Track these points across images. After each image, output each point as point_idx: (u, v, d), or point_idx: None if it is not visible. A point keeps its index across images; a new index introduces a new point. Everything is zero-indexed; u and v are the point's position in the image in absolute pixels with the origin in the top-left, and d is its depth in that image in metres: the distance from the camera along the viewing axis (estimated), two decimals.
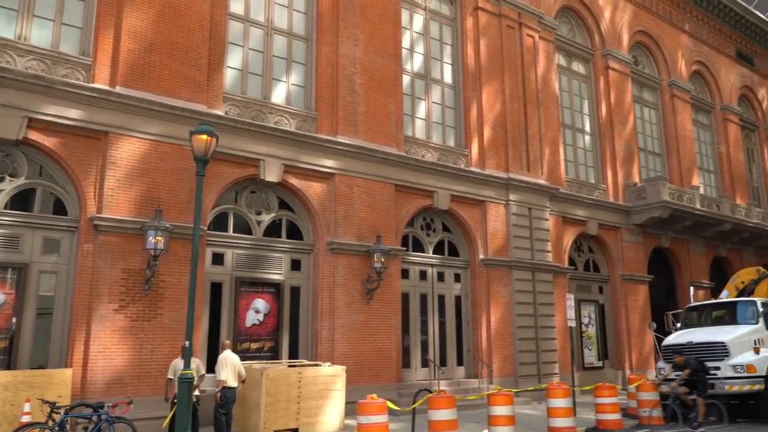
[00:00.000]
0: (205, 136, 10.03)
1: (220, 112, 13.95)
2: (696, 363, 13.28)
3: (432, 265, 17.78)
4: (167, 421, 10.35)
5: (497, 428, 11.32)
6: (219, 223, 14.30)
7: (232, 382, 10.98)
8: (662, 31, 27.45)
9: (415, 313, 17.10)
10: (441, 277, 17.94)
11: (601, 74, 24.14)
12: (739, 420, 14.83)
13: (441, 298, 17.80)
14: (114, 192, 12.27)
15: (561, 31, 23.20)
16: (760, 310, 15.26)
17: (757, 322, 14.97)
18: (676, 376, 13.48)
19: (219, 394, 10.82)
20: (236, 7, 15.25)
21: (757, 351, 14.18)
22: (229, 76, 14.85)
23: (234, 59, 15.00)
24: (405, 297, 16.79)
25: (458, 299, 18.19)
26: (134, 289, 12.14)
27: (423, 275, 17.53)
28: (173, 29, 13.53)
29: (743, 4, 32.16)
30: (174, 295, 12.54)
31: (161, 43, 13.31)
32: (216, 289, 13.94)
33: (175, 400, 10.36)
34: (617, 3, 25.41)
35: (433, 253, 17.95)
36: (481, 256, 18.22)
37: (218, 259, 14.06)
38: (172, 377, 10.62)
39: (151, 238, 11.94)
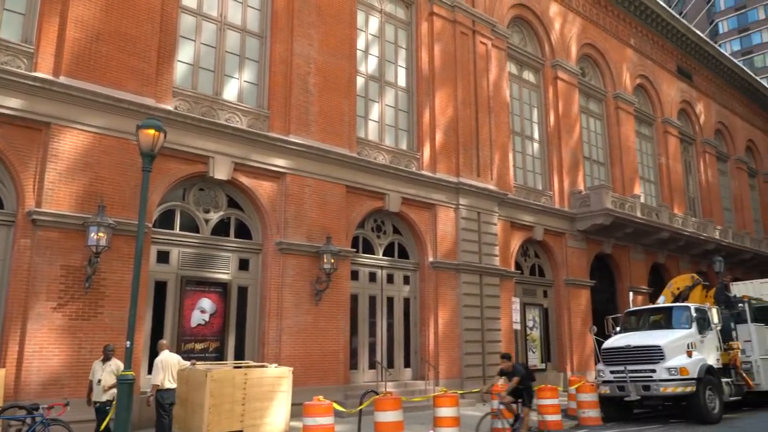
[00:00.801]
0: (152, 131, 9.80)
1: (170, 107, 13.64)
2: (524, 370, 11.78)
3: (382, 267, 17.83)
4: (104, 425, 10.04)
5: (442, 429, 11.45)
6: (165, 220, 13.97)
7: (169, 384, 10.78)
8: (609, 45, 28.36)
9: (364, 315, 17.11)
10: (390, 279, 18.01)
11: (550, 84, 24.74)
12: (673, 420, 15.44)
13: (390, 300, 17.87)
14: (55, 186, 11.83)
15: (513, 40, 23.68)
16: (694, 315, 15.93)
17: (690, 327, 15.62)
18: (504, 383, 12.07)
19: (151, 398, 10.62)
20: (189, 0, 14.94)
21: (690, 354, 14.77)
22: (180, 70, 14.53)
23: (185, 53, 14.69)
24: (354, 298, 16.78)
25: (407, 301, 18.31)
26: (74, 287, 11.72)
27: (372, 277, 17.56)
28: (122, 20, 13.15)
29: (684, 22, 33.58)
30: (116, 293, 12.18)
31: (109, 34, 12.92)
32: (160, 288, 13.60)
33: (97, 405, 10.13)
34: (567, 15, 26.11)
35: (383, 255, 18.01)
36: (431, 259, 18.39)
37: (163, 257, 13.72)
38: (92, 379, 10.42)
39: (93, 235, 11.57)
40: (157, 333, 13.26)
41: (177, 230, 14.05)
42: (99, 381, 10.27)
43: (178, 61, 14.48)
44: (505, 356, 12.01)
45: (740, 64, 40.69)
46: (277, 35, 16.06)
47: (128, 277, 12.08)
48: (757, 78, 42.52)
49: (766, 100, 41.82)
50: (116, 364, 10.34)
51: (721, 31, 76.32)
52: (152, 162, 9.97)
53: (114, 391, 10.05)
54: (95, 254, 11.68)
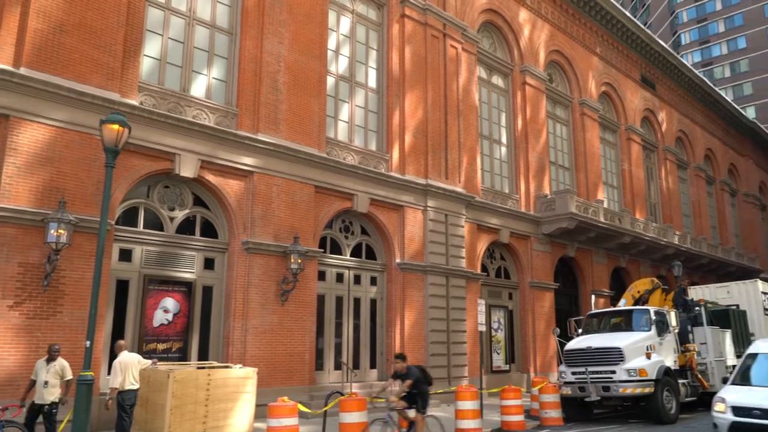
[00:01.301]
0: (116, 126, 9.60)
1: (135, 102, 13.38)
2: (419, 373, 10.46)
3: (349, 268, 17.80)
4: (62, 426, 9.79)
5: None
6: (128, 217, 13.70)
7: (130, 386, 10.56)
8: (576, 53, 28.86)
9: (330, 316, 17.05)
10: (357, 279, 17.99)
11: (518, 89, 25.05)
12: (631, 421, 15.76)
13: (357, 301, 17.85)
14: (13, 180, 11.48)
15: (483, 45, 23.90)
16: (653, 318, 16.30)
17: (650, 329, 15.98)
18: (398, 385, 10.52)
19: (110, 401, 10.34)
20: None
21: (648, 356, 15.12)
22: (147, 65, 14.27)
23: (152, 48, 14.43)
24: (321, 299, 16.71)
25: (374, 302, 18.31)
26: (32, 285, 11.40)
27: (340, 278, 17.52)
28: (87, 11, 12.85)
29: (649, 32, 34.37)
30: (76, 292, 11.88)
31: (73, 25, 12.61)
32: (122, 286, 13.33)
33: (37, 406, 9.77)
34: (536, 22, 26.48)
35: (351, 255, 17.98)
36: (398, 260, 18.43)
37: (126, 255, 13.45)
38: (35, 379, 9.96)
39: (52, 231, 11.27)
40: (118, 333, 12.98)
41: (141, 228, 13.78)
42: (46, 383, 9.79)
43: (145, 55, 14.21)
44: (399, 356, 10.57)
45: (701, 74, 41.84)
46: (247, 32, 15.90)
47: (89, 275, 11.81)
48: (716, 89, 43.77)
49: (724, 110, 43.09)
50: (61, 364, 9.99)
51: (683, 43, 78.36)
52: (116, 158, 9.76)
53: (58, 392, 9.77)
54: (55, 251, 11.38)
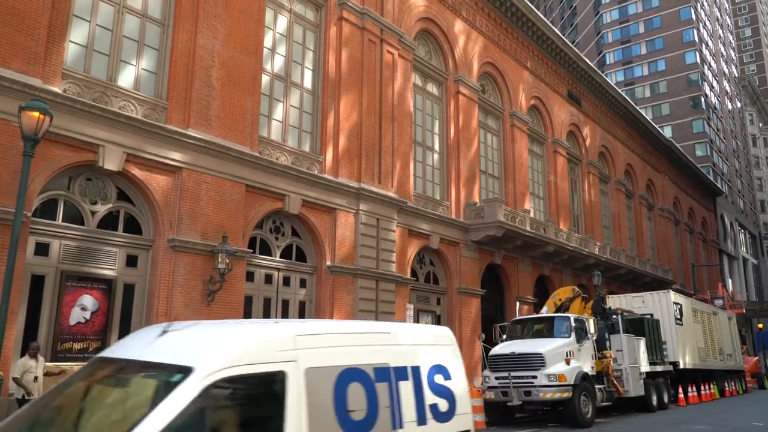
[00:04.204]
0: (36, 114, 9.17)
1: (58, 89, 12.74)
2: None
3: (278, 269, 17.58)
4: None
5: None
6: (47, 210, 13.02)
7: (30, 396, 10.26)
8: (508, 66, 29.71)
9: (258, 317, 16.76)
10: (287, 281, 17.79)
11: (452, 97, 25.52)
12: (550, 425, 16.30)
13: (285, 303, 17.64)
14: None
15: (419, 53, 24.23)
16: (573, 325, 16.95)
17: (569, 336, 16.60)
18: None
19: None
20: None
21: (568, 362, 15.70)
22: (72, 51, 13.63)
23: (78, 34, 13.81)
24: (248, 300, 16.41)
25: (302, 305, 18.14)
26: None
27: (269, 279, 17.27)
28: None
29: (576, 50, 35.81)
30: None
31: None
32: (38, 282, 12.64)
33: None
34: (470, 34, 27.08)
35: (281, 257, 17.77)
36: (328, 263, 18.35)
37: (42, 249, 12.77)
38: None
39: None
40: (31, 330, 12.29)
41: (59, 221, 13.13)
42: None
43: (71, 41, 13.58)
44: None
45: (623, 93, 43.92)
46: (180, 24, 15.47)
47: (1, 268, 11.11)
48: (638, 107, 46.09)
49: (644, 128, 45.44)
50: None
51: (608, 62, 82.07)
52: (35, 147, 9.29)
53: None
54: None
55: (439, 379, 5.57)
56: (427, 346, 5.71)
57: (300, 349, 4.44)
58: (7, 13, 12.08)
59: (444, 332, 6.18)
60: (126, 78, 14.58)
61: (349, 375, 4.72)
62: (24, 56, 12.22)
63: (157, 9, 15.48)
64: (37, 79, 12.30)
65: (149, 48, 15.15)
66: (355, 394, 4.69)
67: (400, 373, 5.17)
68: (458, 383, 5.79)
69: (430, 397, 5.37)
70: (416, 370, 5.34)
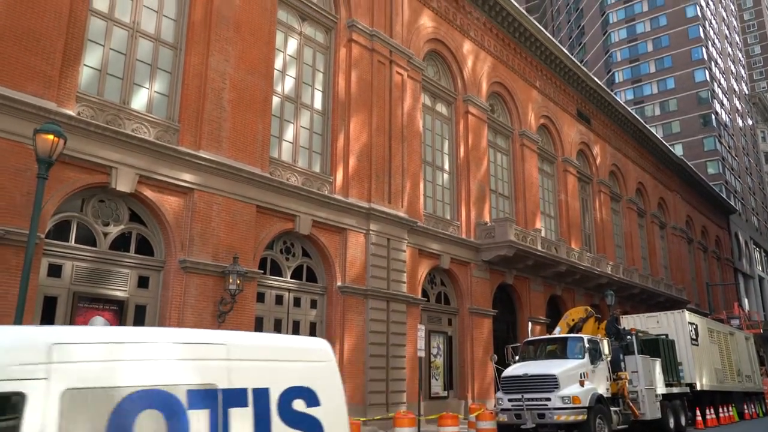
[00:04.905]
0: (51, 136, 9.25)
1: (72, 112, 12.90)
2: None
3: (289, 290, 17.54)
4: None
5: None
6: (60, 231, 13.10)
7: None
8: (516, 85, 29.80)
9: None
10: (297, 302, 17.74)
11: (461, 117, 25.59)
12: None
13: (296, 324, 17.57)
14: None
15: (428, 73, 24.36)
16: (587, 346, 16.70)
17: (583, 357, 16.35)
18: None
19: None
20: (100, 4, 14.31)
21: (582, 384, 15.43)
22: (86, 75, 13.83)
23: (92, 58, 14.01)
24: (259, 321, 16.37)
25: (313, 326, 18.06)
26: None
27: (279, 300, 17.23)
28: (26, 17, 12.38)
29: (585, 69, 35.90)
30: (0, 308, 11.23)
31: (10, 29, 12.10)
32: (50, 303, 12.68)
33: None
34: (479, 54, 27.23)
35: (291, 277, 17.74)
36: (339, 284, 18.29)
37: (55, 271, 12.83)
38: None
39: None
40: None
41: (72, 243, 13.20)
42: None
43: (85, 65, 13.78)
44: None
45: (633, 112, 43.90)
46: (192, 47, 15.67)
47: (14, 290, 11.16)
48: (647, 126, 46.00)
49: (654, 146, 45.28)
50: None
51: (617, 81, 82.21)
52: (49, 169, 9.37)
53: None
54: None
55: (299, 405, 4.42)
56: (285, 362, 4.51)
57: (57, 362, 3.23)
58: (23, 37, 12.29)
59: (315, 345, 4.97)
60: (139, 101, 14.74)
61: (141, 400, 3.48)
62: (39, 80, 12.40)
63: (170, 33, 15.70)
64: (51, 103, 12.47)
65: (162, 71, 15.34)
66: (149, 429, 3.45)
67: (235, 397, 4.01)
68: (330, 411, 4.61)
69: (281, 430, 4.21)
70: (262, 393, 4.18)
